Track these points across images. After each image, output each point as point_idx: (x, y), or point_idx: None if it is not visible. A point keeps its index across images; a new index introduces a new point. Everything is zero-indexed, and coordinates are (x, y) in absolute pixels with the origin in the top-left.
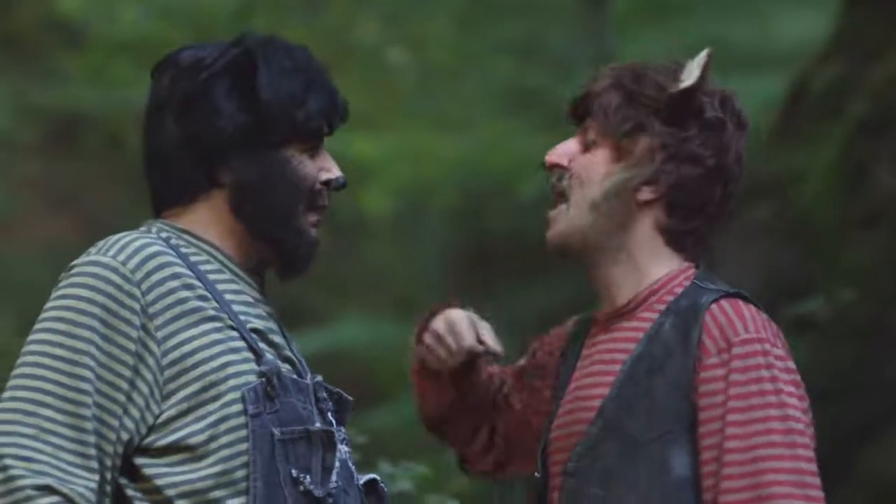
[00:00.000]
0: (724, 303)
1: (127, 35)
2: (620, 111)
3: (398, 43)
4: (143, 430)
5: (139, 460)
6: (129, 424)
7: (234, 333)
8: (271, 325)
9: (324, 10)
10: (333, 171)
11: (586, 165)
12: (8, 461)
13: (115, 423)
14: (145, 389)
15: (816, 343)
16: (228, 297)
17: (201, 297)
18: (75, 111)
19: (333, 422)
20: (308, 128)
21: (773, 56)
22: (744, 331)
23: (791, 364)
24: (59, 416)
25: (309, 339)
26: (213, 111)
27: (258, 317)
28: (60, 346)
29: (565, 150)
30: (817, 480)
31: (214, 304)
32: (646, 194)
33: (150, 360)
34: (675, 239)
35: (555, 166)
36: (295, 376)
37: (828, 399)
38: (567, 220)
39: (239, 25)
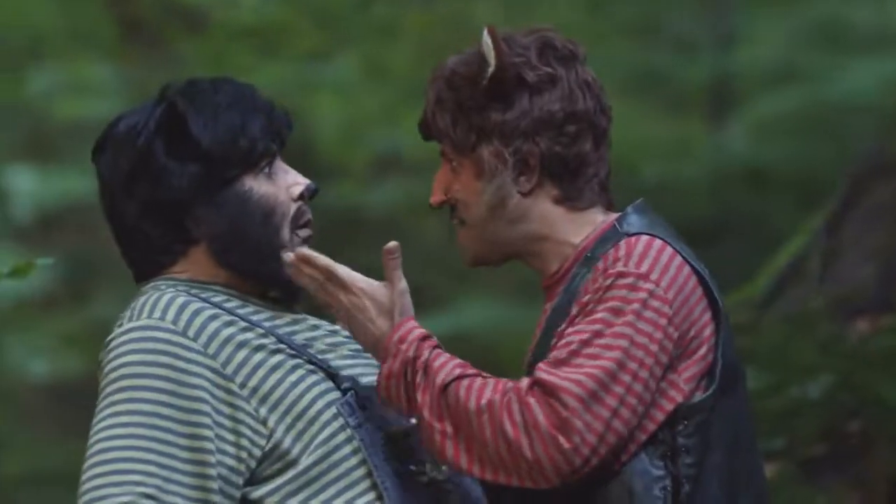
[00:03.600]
0: (623, 242)
1: (247, 21)
2: (457, 127)
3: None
4: (253, 464)
5: (256, 493)
6: (239, 466)
7: (289, 353)
8: (315, 331)
9: None
10: (301, 182)
11: (462, 196)
12: None
13: (215, 472)
14: (247, 430)
15: None
16: (266, 323)
17: (245, 329)
18: None
19: None
20: (256, 153)
21: (895, 36)
22: (623, 267)
23: (668, 296)
24: (148, 480)
25: (432, 323)
26: (160, 173)
27: (303, 329)
28: (127, 413)
29: (440, 186)
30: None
31: (260, 331)
32: (524, 185)
33: (240, 402)
34: (578, 201)
35: (440, 204)
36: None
37: None
38: (470, 242)
39: (360, 12)
